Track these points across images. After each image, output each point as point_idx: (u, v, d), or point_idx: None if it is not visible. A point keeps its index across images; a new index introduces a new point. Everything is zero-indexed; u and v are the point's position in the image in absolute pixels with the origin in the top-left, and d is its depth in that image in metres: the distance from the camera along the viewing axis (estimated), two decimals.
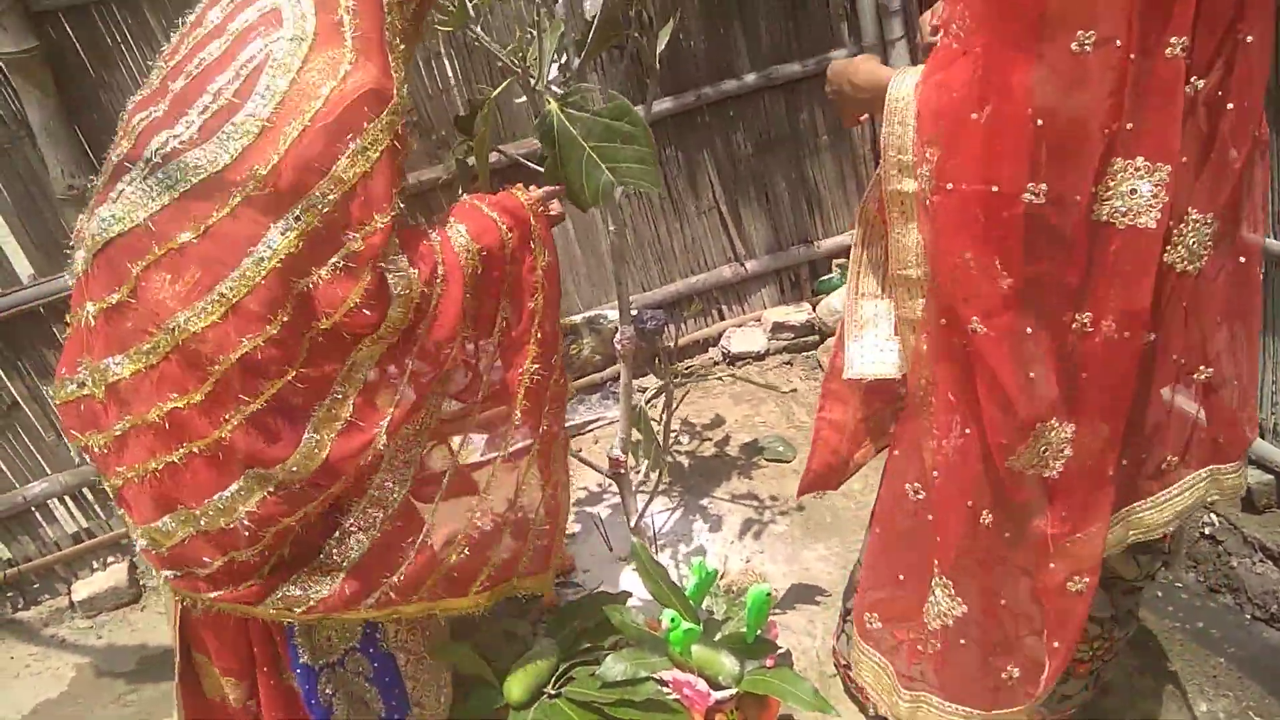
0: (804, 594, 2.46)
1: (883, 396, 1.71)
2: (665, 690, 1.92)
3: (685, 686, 1.87)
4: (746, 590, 1.96)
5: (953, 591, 1.46)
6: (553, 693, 1.99)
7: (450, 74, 3.03)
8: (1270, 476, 2.27)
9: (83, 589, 2.95)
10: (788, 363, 3.57)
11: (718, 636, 2.00)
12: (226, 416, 1.46)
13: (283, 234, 1.43)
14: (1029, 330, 1.30)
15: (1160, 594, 2.29)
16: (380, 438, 1.56)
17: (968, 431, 1.38)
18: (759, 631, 1.97)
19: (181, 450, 1.49)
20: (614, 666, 1.94)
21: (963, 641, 1.49)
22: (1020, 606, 1.47)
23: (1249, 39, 1.20)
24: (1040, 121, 1.20)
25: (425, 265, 1.58)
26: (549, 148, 1.76)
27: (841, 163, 3.57)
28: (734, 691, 1.91)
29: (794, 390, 3.42)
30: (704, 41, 3.26)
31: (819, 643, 2.29)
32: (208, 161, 1.44)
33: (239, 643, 1.76)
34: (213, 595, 1.60)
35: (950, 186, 1.27)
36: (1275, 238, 2.07)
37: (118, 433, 1.53)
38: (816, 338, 3.59)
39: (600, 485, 3.01)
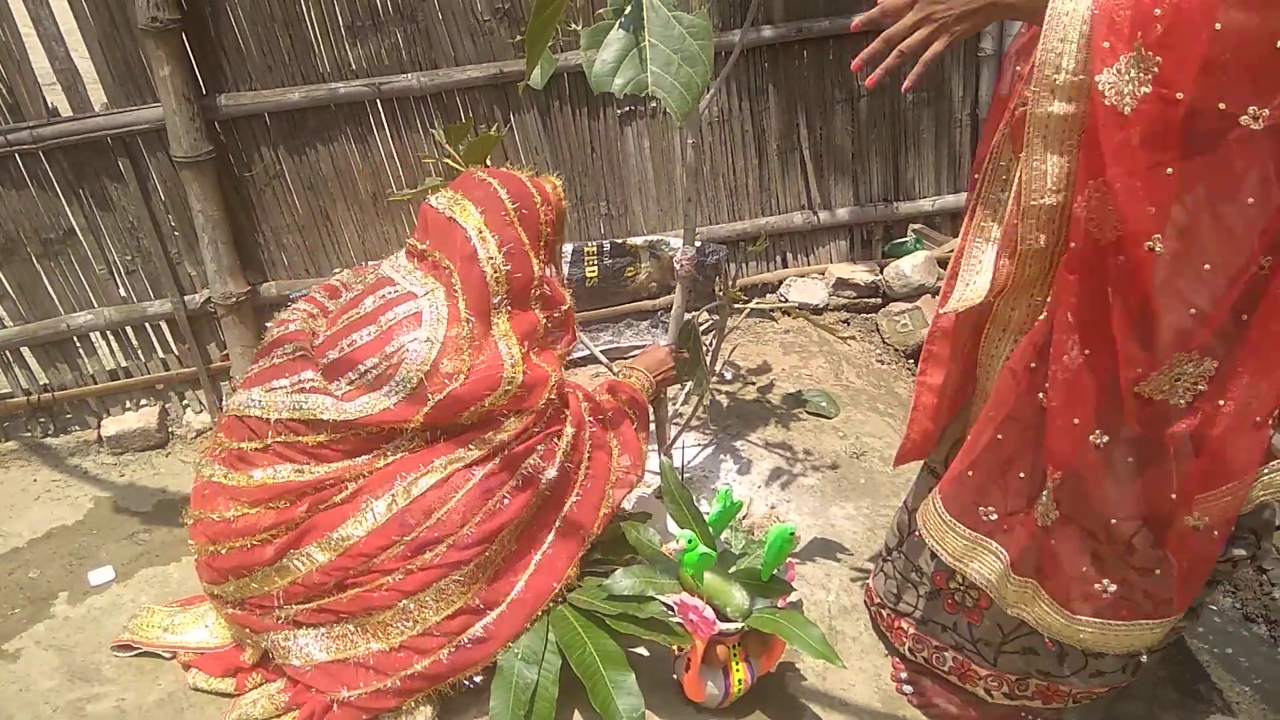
0: (825, 549, 2.40)
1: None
2: (670, 613, 1.87)
3: (692, 611, 1.81)
4: (768, 531, 1.90)
5: (1053, 499, 1.50)
6: (558, 598, 1.95)
7: None
8: None
9: (112, 425, 2.97)
10: (845, 321, 3.46)
11: (732, 569, 1.94)
12: None
13: None
14: (1207, 267, 1.24)
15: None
16: None
17: (1087, 353, 1.36)
18: (775, 570, 1.91)
19: None
20: (622, 580, 1.90)
21: (1053, 542, 1.53)
22: (1122, 531, 1.47)
23: None
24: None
25: None
26: (613, 15, 1.62)
27: (936, 126, 3.43)
28: (740, 626, 1.86)
29: (851, 338, 3.33)
30: None
31: (832, 598, 2.23)
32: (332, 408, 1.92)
33: None
34: None
35: (1181, 96, 1.18)
36: None
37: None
38: (879, 300, 3.47)
39: None
